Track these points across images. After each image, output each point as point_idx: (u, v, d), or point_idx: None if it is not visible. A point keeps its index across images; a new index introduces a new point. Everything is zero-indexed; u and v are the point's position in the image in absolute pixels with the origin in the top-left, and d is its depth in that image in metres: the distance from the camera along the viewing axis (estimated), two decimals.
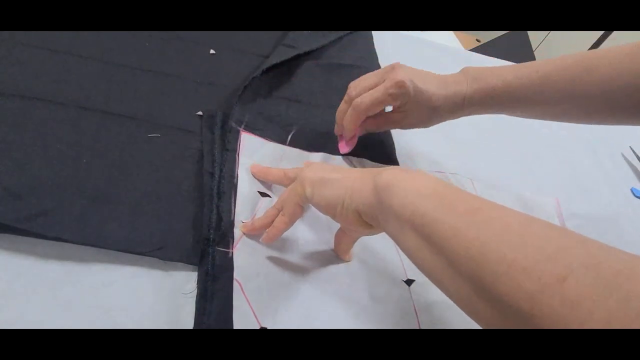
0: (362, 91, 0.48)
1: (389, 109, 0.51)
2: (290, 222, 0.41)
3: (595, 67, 0.44)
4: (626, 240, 0.61)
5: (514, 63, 0.50)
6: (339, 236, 0.44)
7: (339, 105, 0.51)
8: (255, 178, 0.47)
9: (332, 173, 0.39)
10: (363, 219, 0.38)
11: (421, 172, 0.36)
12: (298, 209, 0.40)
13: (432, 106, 0.47)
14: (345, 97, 0.50)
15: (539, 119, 0.52)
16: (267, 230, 0.42)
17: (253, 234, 0.42)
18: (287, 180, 0.44)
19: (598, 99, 0.44)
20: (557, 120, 0.51)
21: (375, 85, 0.48)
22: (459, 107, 0.48)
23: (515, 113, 0.50)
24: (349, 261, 0.45)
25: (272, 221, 0.41)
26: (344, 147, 0.53)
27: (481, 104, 0.47)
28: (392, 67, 0.48)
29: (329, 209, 0.39)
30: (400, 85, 0.46)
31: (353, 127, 0.50)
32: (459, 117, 0.50)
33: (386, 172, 0.36)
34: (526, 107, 0.48)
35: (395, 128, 0.52)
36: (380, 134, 0.58)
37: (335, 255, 0.45)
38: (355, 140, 0.52)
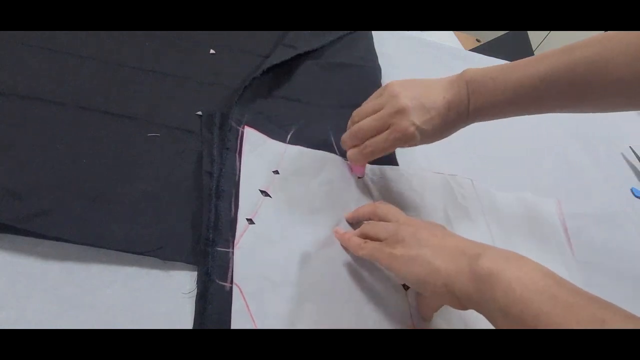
0: (365, 116, 0.47)
1: None
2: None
3: (611, 69, 0.40)
4: (626, 240, 0.61)
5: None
6: (424, 302, 0.42)
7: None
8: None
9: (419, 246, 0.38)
10: (460, 301, 0.35)
11: (523, 259, 0.33)
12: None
13: (441, 128, 0.47)
14: (350, 124, 0.50)
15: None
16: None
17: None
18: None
19: (612, 97, 0.42)
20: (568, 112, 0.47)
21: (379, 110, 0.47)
22: (461, 120, 0.47)
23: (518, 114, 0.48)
24: (429, 320, 0.43)
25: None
26: (358, 171, 0.53)
27: (482, 116, 0.47)
28: (396, 100, 0.46)
29: (420, 287, 0.38)
30: (409, 135, 0.45)
31: (362, 165, 0.51)
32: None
33: (485, 259, 0.33)
34: (530, 110, 0.47)
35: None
36: None
37: (418, 312, 0.43)
38: (364, 169, 0.53)
